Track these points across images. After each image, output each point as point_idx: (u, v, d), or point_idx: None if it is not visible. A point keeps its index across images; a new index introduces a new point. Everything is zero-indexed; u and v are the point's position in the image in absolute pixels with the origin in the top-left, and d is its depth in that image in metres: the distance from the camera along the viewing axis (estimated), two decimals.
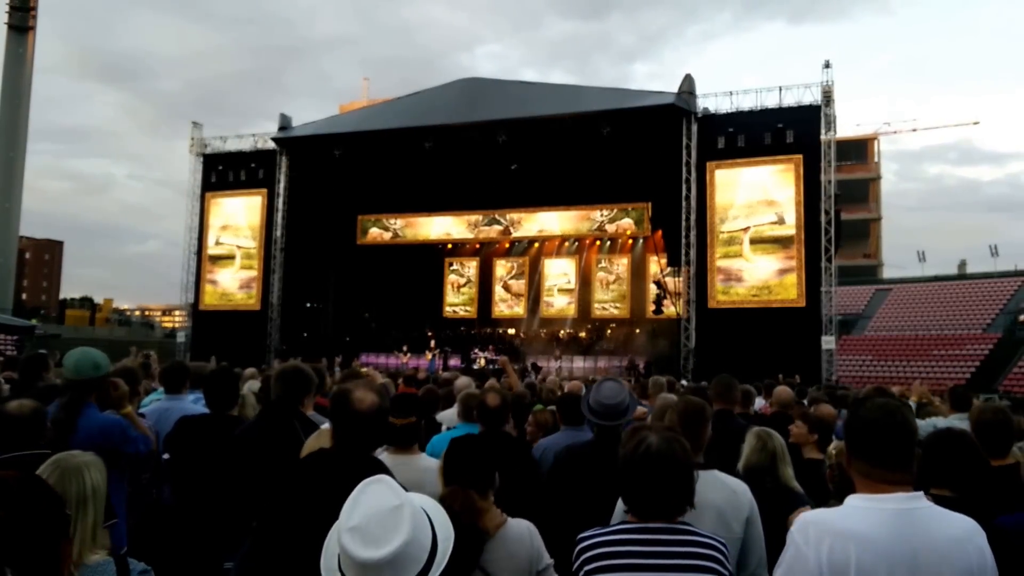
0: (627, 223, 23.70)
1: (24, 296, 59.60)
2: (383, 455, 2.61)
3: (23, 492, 1.22)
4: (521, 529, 1.98)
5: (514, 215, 24.96)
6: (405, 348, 23.07)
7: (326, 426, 2.96)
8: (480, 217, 25.21)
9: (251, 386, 4.97)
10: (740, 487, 2.28)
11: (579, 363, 21.65)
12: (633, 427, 1.95)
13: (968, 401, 4.65)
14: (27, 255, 66.25)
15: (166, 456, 3.17)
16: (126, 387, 3.13)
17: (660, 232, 20.90)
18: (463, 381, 4.95)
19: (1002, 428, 2.61)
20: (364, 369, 12.82)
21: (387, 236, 25.93)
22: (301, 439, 2.57)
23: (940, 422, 4.10)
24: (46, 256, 74.35)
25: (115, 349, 23.37)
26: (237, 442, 2.67)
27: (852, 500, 1.57)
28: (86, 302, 68.72)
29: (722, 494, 2.22)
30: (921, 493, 1.56)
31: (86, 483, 1.62)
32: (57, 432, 2.63)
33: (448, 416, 4.11)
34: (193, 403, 3.64)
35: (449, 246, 26.76)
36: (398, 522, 1.26)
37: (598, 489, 2.38)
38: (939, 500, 1.92)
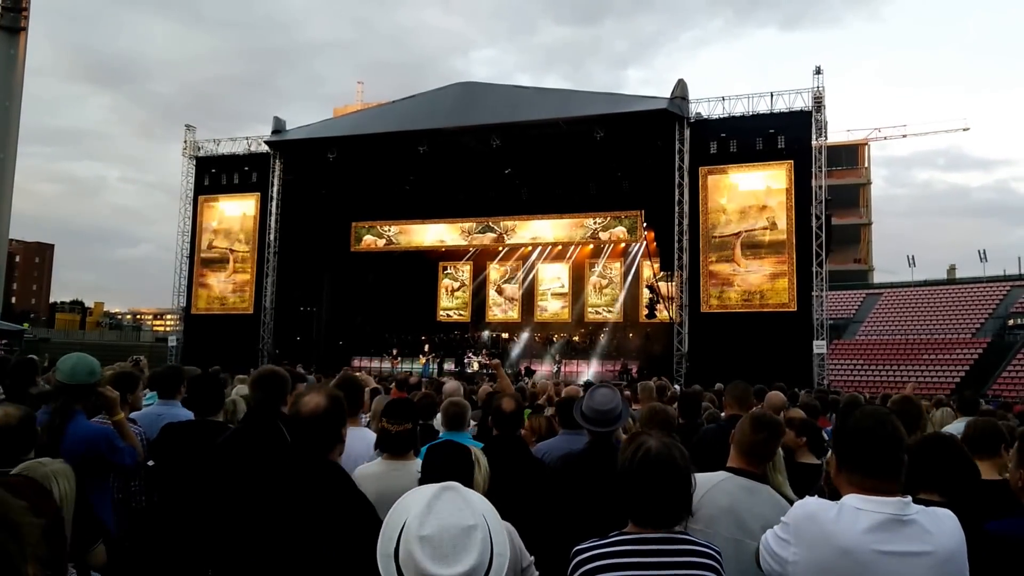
0: (620, 231, 23.83)
1: (13, 300, 59.02)
2: (378, 460, 2.61)
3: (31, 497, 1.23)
4: None
5: (508, 222, 25.01)
6: (395, 352, 23.03)
7: None
8: (474, 224, 25.25)
9: (240, 391, 4.94)
10: (787, 506, 2.29)
11: (572, 367, 21.67)
12: (633, 433, 1.94)
13: (975, 406, 4.64)
14: (17, 258, 65.64)
15: (151, 463, 3.14)
16: (115, 393, 3.09)
17: (652, 233, 20.95)
18: (451, 386, 4.91)
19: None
20: (358, 374, 12.76)
21: (381, 243, 25.95)
22: (288, 441, 2.56)
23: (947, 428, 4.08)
24: (36, 259, 73.69)
25: (106, 353, 23.23)
26: (222, 449, 2.64)
27: (850, 500, 1.56)
28: (77, 306, 68.19)
29: (774, 511, 2.21)
30: (910, 499, 1.56)
31: (54, 493, 1.59)
32: (48, 438, 2.60)
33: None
34: (186, 409, 3.61)
35: (443, 250, 26.79)
36: (469, 544, 1.26)
37: (593, 497, 2.37)
38: (927, 504, 1.94)
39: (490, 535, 1.32)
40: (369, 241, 25.91)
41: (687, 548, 1.68)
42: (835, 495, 1.86)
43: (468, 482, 2.04)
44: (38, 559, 0.69)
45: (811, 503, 1.64)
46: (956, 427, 4.07)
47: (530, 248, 26.16)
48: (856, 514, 1.53)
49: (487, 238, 25.37)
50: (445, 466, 2.02)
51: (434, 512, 1.29)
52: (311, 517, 1.72)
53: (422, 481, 2.03)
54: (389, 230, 25.88)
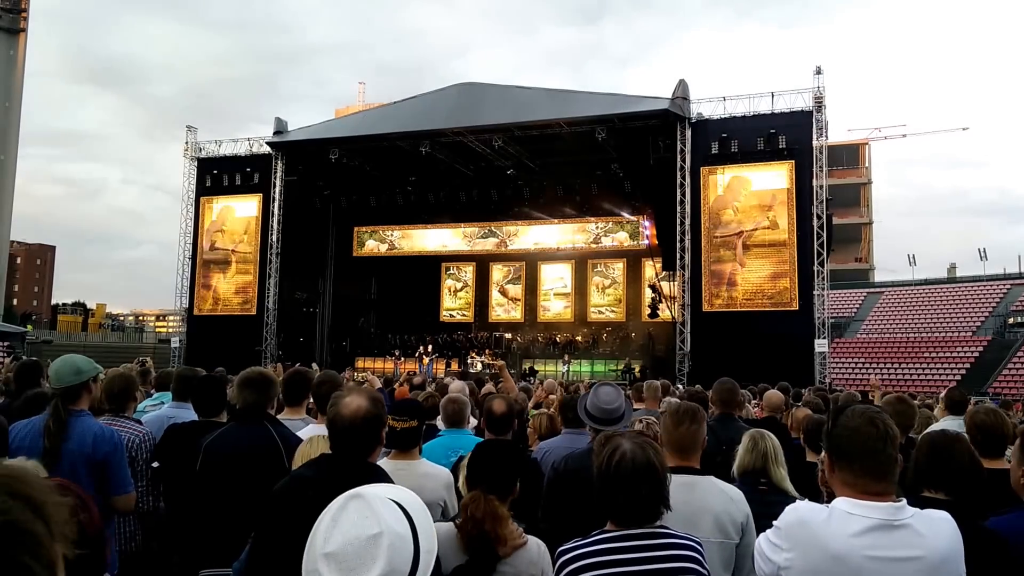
0: (622, 236, 23.87)
1: (15, 302, 59.10)
2: (384, 459, 2.63)
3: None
4: (531, 547, 1.99)
5: (510, 227, 25.03)
6: (397, 353, 23.07)
7: (307, 429, 2.97)
8: (476, 229, 25.29)
9: None
10: (736, 494, 2.30)
11: (574, 367, 21.68)
12: (604, 435, 1.95)
13: (964, 406, 4.68)
14: (19, 260, 65.74)
15: (156, 464, 3.16)
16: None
17: (654, 229, 20.93)
18: (455, 386, 4.94)
19: (997, 429, 2.69)
20: (362, 375, 12.77)
21: (383, 248, 26.04)
22: (277, 443, 2.58)
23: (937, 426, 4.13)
24: (38, 261, 73.80)
25: (109, 355, 23.25)
26: (211, 449, 2.66)
27: (841, 504, 1.56)
28: (79, 307, 68.25)
29: (720, 500, 2.24)
30: (904, 503, 1.55)
31: None
32: (49, 442, 2.61)
33: None
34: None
35: (445, 254, 26.85)
36: (375, 554, 1.21)
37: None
38: (933, 503, 1.94)
39: (413, 535, 1.26)
40: (372, 247, 26.04)
41: (668, 542, 1.71)
42: (833, 494, 1.87)
43: (513, 482, 2.04)
44: (66, 539, 0.65)
45: (802, 508, 1.64)
46: (944, 425, 4.10)
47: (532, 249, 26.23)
48: (847, 519, 1.52)
49: (489, 243, 25.42)
50: (496, 469, 2.01)
51: (338, 526, 1.24)
52: None
53: (469, 481, 2.04)
54: (391, 235, 25.94)
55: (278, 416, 3.04)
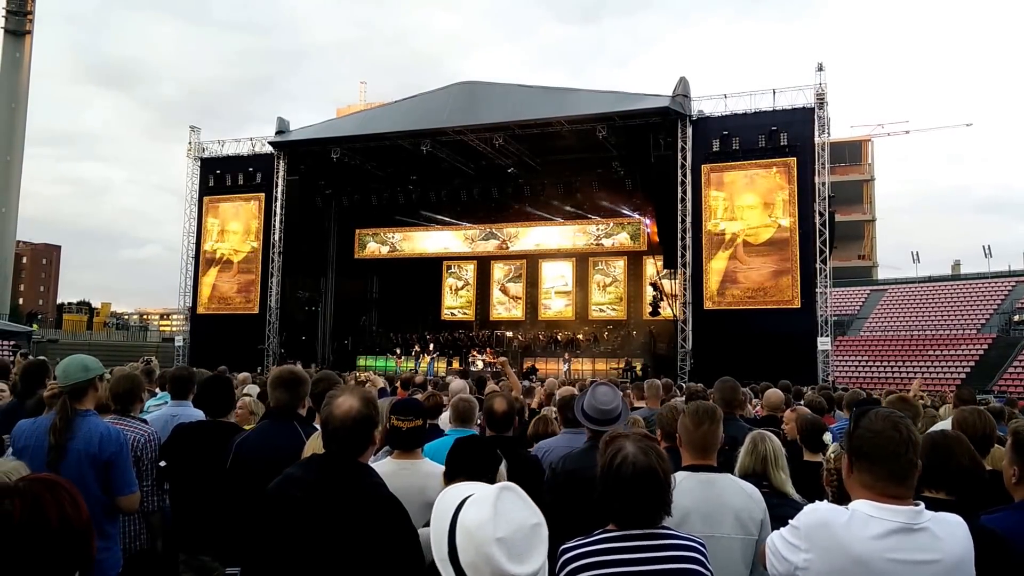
0: (623, 237, 23.83)
1: (21, 301, 59.30)
2: (388, 459, 2.64)
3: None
4: None
5: (511, 229, 25.02)
6: (399, 351, 23.12)
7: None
8: (477, 231, 25.30)
9: (251, 390, 4.99)
10: (754, 492, 2.32)
11: (575, 365, 21.70)
12: (609, 434, 1.96)
13: (973, 403, 4.69)
14: (24, 260, 66.02)
15: (163, 463, 3.18)
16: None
17: (655, 227, 20.91)
18: (457, 384, 4.95)
19: (979, 429, 2.76)
20: (365, 374, 12.80)
21: (384, 250, 26.08)
22: (304, 443, 2.59)
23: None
24: (44, 261, 74.05)
25: (113, 354, 23.30)
26: (242, 448, 2.67)
27: (861, 507, 1.55)
28: (84, 306, 68.51)
29: (740, 497, 2.26)
30: (922, 507, 1.55)
31: None
32: (55, 439, 2.63)
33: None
34: (197, 409, 3.64)
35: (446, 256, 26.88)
36: (538, 540, 1.34)
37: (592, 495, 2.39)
38: (934, 502, 1.94)
39: None
40: (373, 248, 26.09)
41: (671, 543, 1.71)
42: (840, 496, 1.86)
43: (495, 476, 2.06)
44: None
45: (822, 509, 1.63)
46: (947, 424, 4.09)
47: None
48: (868, 521, 1.52)
49: (490, 245, 25.43)
50: (474, 460, 2.03)
51: (501, 513, 1.33)
52: (341, 522, 1.72)
53: (447, 475, 2.05)
54: (393, 237, 26.00)
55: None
